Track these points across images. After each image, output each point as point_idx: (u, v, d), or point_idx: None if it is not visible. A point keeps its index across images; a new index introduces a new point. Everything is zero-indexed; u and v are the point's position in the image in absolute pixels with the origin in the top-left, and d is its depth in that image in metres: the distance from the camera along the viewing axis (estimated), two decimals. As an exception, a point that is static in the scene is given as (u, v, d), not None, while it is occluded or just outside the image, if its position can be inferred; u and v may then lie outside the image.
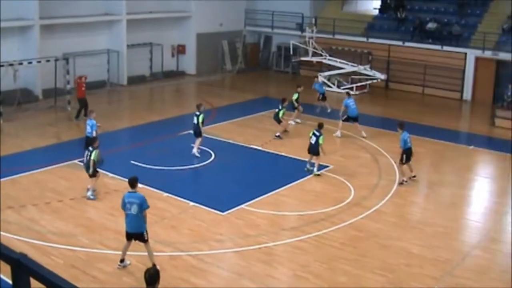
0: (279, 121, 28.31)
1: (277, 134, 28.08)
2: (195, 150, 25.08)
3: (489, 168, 26.06)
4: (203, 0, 43.43)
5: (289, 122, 30.05)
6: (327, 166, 24.12)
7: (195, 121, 24.90)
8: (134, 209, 14.85)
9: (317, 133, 23.35)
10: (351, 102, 29.01)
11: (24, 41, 34.73)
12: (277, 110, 28.41)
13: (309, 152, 23.54)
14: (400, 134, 22.65)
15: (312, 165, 23.48)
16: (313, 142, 23.30)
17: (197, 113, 24.92)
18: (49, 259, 15.65)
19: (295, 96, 30.58)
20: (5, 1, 33.32)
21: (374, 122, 31.56)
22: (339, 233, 18.12)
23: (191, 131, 25.45)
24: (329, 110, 32.34)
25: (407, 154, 22.60)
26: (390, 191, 21.61)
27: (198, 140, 25.02)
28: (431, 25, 39.47)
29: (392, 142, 27.44)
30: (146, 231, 15.19)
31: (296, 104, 30.55)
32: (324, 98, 33.30)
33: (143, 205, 14.91)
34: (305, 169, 23.46)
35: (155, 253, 15.58)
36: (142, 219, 15.04)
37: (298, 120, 30.86)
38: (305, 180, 22.71)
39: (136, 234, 15.14)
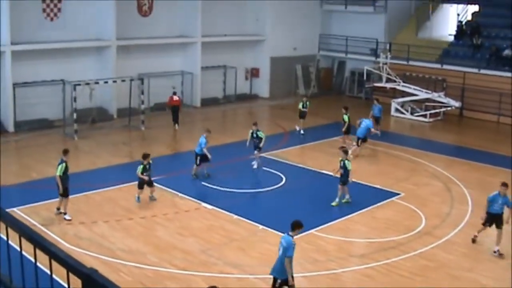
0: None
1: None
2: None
3: None
4: (277, 24, 43.69)
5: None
6: (398, 194, 23.83)
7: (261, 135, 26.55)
8: (280, 252, 13.81)
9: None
10: (366, 121, 29.24)
11: (101, 61, 35.55)
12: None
13: (345, 183, 22.34)
14: (504, 196, 18.52)
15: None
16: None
17: (259, 130, 26.77)
18: (117, 276, 15.83)
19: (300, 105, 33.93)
20: (84, 22, 34.28)
21: (448, 150, 31.08)
22: (409, 262, 17.82)
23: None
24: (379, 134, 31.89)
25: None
26: (462, 221, 21.15)
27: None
28: (508, 52, 38.72)
29: (465, 171, 27.08)
30: (287, 280, 13.76)
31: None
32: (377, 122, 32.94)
33: (286, 251, 13.61)
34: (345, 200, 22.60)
35: (223, 275, 15.57)
36: (282, 264, 13.72)
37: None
38: (376, 207, 22.44)
39: (276, 278, 13.95)
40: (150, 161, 22.07)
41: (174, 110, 33.95)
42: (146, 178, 21.69)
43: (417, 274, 17.05)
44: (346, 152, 22.63)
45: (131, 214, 20.72)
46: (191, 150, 27.26)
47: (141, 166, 21.80)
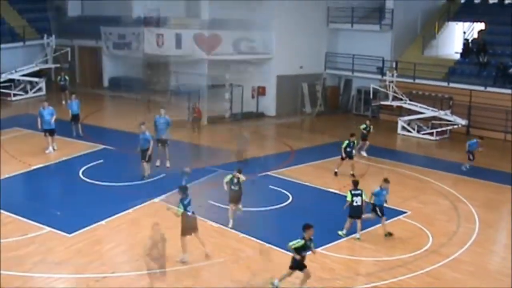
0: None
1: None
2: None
3: None
4: (283, 42, 43.75)
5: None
6: (405, 212, 23.79)
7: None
8: None
9: (359, 192, 21.37)
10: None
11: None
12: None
13: (352, 217, 21.29)
14: None
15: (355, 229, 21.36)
16: (359, 203, 21.13)
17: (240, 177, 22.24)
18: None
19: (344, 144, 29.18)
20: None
21: (454, 168, 30.96)
22: (416, 280, 17.79)
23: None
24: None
25: None
26: (469, 240, 21.12)
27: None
28: (514, 70, 38.77)
29: (472, 190, 27.03)
30: None
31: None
32: None
33: None
34: (342, 233, 21.38)
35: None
36: None
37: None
38: (383, 225, 22.38)
39: None
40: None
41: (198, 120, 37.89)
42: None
43: (424, 293, 17.03)
44: (356, 183, 21.65)
45: (138, 233, 20.73)
46: (198, 168, 27.25)
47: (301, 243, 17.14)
